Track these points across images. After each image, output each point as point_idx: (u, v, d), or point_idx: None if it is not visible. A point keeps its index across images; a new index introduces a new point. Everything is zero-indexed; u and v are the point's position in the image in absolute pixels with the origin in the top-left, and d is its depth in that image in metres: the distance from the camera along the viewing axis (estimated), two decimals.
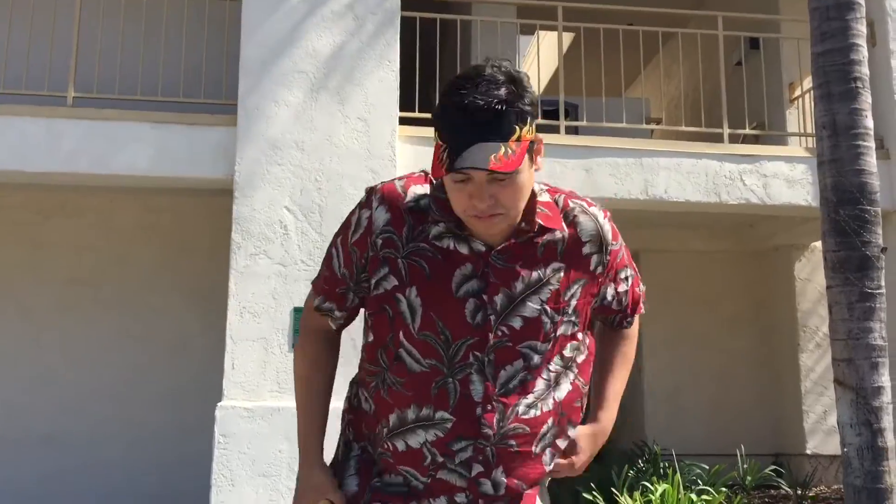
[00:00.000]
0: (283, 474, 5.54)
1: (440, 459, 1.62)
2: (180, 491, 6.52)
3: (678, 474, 5.57)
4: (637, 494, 5.35)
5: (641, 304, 1.87)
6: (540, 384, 1.66)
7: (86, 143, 5.98)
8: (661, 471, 6.57)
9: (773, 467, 7.28)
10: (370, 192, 1.68)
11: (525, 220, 1.63)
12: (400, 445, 1.65)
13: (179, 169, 6.10)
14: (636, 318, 1.89)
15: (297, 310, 5.85)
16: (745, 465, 7.18)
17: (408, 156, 6.30)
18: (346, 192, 6.05)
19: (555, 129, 6.94)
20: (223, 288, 5.90)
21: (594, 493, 5.89)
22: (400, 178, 1.69)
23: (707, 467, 6.77)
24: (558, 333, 1.67)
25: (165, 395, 7.03)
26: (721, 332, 8.33)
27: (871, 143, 5.45)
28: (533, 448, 1.67)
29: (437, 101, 1.57)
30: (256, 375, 5.73)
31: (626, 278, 1.81)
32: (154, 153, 6.02)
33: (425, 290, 1.62)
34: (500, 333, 1.63)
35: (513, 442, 1.64)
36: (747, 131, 7.57)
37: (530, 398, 1.65)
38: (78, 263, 7.21)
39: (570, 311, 1.69)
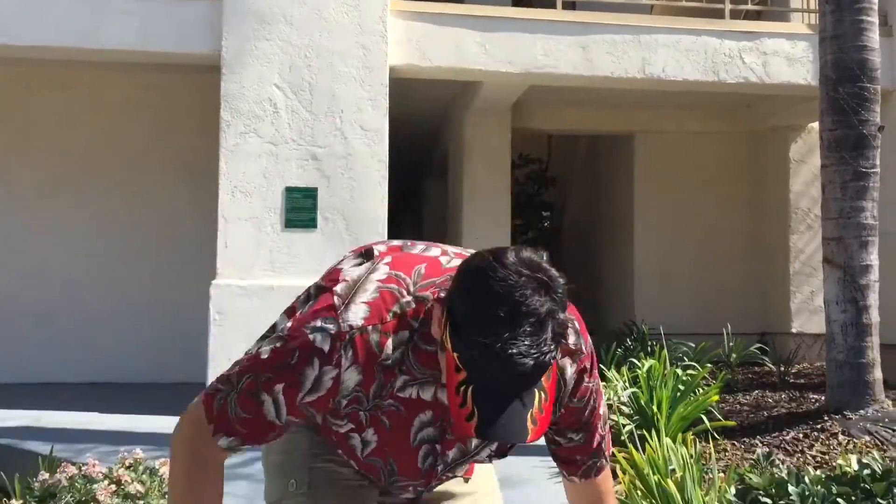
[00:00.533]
0: None
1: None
2: (176, 368, 6.66)
3: (665, 351, 5.68)
4: (624, 370, 5.48)
5: (584, 467, 1.66)
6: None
7: (72, 13, 5.79)
8: (649, 349, 6.72)
9: (758, 345, 7.45)
10: (339, 345, 1.39)
11: None
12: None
13: (166, 44, 5.95)
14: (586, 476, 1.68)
15: (288, 189, 5.83)
16: (730, 344, 7.34)
17: (399, 31, 6.15)
18: (336, 70, 5.92)
19: (551, 4, 6.75)
20: (214, 167, 5.85)
21: None
22: (374, 327, 1.41)
23: (693, 345, 6.93)
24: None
25: (159, 274, 7.10)
26: (713, 213, 8.36)
27: (875, 19, 5.32)
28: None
29: (465, 324, 1.26)
30: (250, 254, 5.76)
31: (571, 440, 1.61)
32: (140, 26, 5.85)
33: (383, 435, 1.51)
34: (443, 478, 1.62)
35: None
36: (749, 6, 7.37)
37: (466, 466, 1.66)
38: (67, 140, 7.14)
39: (507, 455, 1.65)
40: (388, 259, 1.50)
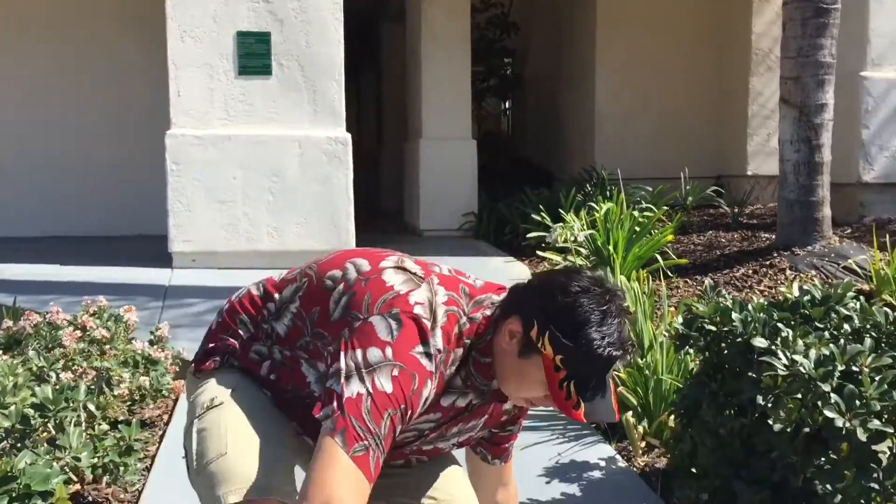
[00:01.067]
0: (238, 200, 5.63)
1: None
2: (135, 220, 6.63)
3: (622, 195, 5.77)
4: (583, 213, 5.58)
5: (507, 452, 1.91)
6: None
7: None
8: (608, 193, 6.81)
9: (714, 188, 7.58)
10: (435, 361, 1.54)
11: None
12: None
13: None
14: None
15: (240, 34, 5.63)
16: (687, 187, 7.46)
17: None
18: None
19: None
20: (162, 11, 5.61)
21: (542, 213, 6.13)
22: (446, 349, 1.56)
23: (651, 189, 7.03)
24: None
25: (114, 126, 6.94)
26: (675, 57, 8.27)
27: None
28: None
29: (577, 336, 1.49)
30: (204, 103, 5.62)
31: (512, 431, 1.87)
32: None
33: None
34: (409, 452, 1.75)
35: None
36: None
37: None
38: None
39: (493, 447, 1.88)
40: (437, 280, 1.62)
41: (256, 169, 5.64)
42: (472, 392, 1.65)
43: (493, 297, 1.65)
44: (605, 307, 1.51)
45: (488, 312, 1.62)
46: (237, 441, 1.61)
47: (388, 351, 1.47)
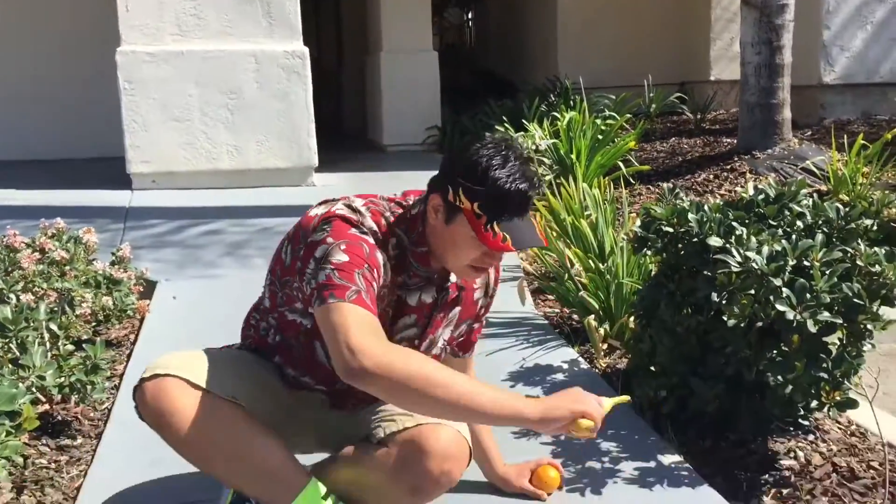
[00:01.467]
0: (195, 118, 5.52)
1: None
2: (90, 142, 6.49)
3: (585, 104, 5.75)
4: (546, 123, 5.56)
5: (474, 345, 2.13)
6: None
7: None
8: (571, 103, 6.78)
9: (677, 95, 7.57)
10: (360, 231, 1.73)
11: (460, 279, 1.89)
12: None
13: None
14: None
15: None
16: (650, 94, 7.44)
17: None
18: None
19: None
20: None
21: (505, 125, 6.09)
22: (370, 231, 1.75)
23: (615, 98, 7.00)
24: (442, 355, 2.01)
25: (64, 46, 6.71)
26: None
27: None
28: None
29: (484, 180, 1.68)
30: (154, 18, 5.45)
31: (480, 321, 2.08)
32: None
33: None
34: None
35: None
36: None
37: None
38: None
39: (461, 341, 2.07)
40: (353, 196, 1.82)
41: (212, 85, 5.53)
42: (426, 284, 1.83)
43: (415, 198, 1.86)
44: (504, 152, 1.71)
45: (414, 211, 1.82)
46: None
47: (329, 240, 1.68)
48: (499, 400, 1.60)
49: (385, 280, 1.75)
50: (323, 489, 1.80)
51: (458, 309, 1.95)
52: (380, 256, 1.73)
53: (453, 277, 1.90)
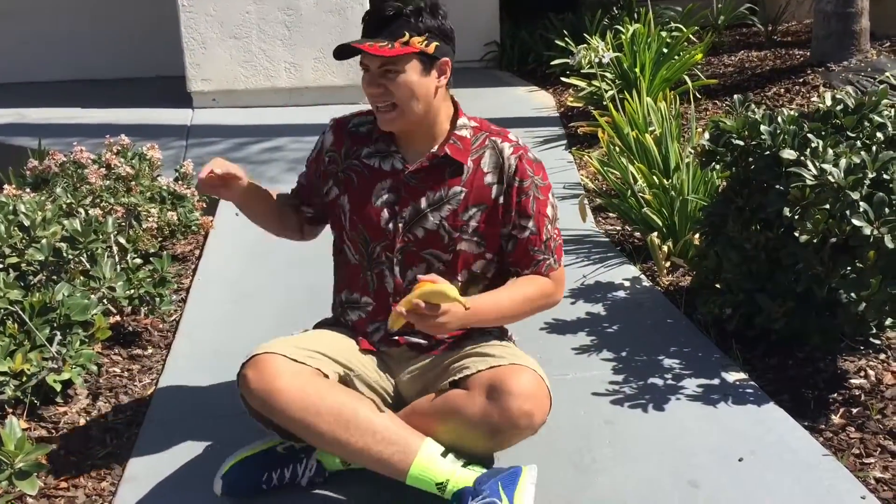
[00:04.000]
0: (253, 35, 5.49)
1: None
2: (152, 61, 6.51)
3: (650, 15, 5.53)
4: (609, 36, 5.37)
5: (543, 266, 1.99)
6: None
7: None
8: (635, 15, 6.53)
9: (748, 6, 7.24)
10: (330, 120, 2.06)
11: (439, 147, 1.92)
12: (347, 316, 2.08)
13: None
14: (538, 274, 1.99)
15: None
16: (719, 5, 7.13)
17: None
18: None
19: None
20: None
21: (566, 39, 5.91)
22: (349, 113, 2.07)
23: (681, 9, 6.73)
24: (458, 248, 1.95)
25: None
26: None
27: None
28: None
29: None
30: None
31: (525, 228, 1.96)
32: None
33: (353, 198, 1.99)
34: (406, 239, 1.95)
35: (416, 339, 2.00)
36: None
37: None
38: None
39: (469, 231, 1.94)
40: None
41: (269, 1, 5.46)
42: (391, 151, 1.96)
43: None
44: None
45: None
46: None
47: None
48: None
49: (334, 151, 2.01)
50: (439, 446, 1.81)
51: (459, 189, 1.92)
52: (326, 138, 2.04)
53: (435, 148, 1.94)
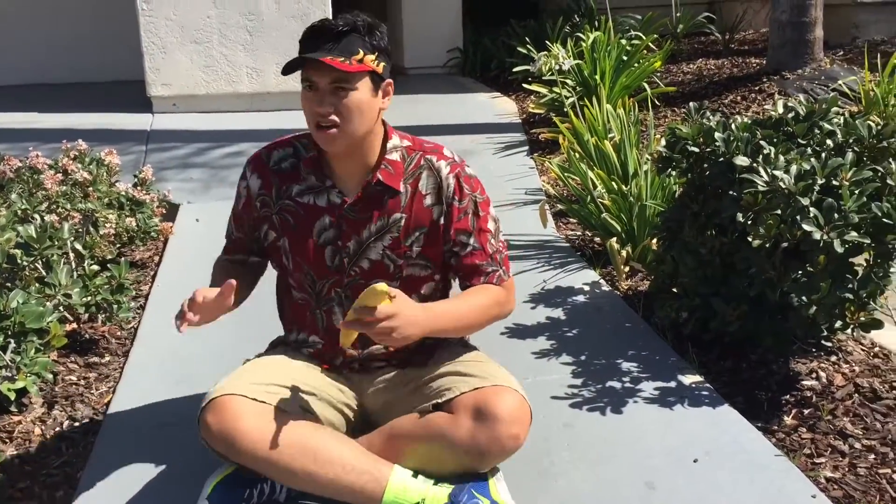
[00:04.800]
0: (214, 40, 5.45)
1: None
2: (110, 65, 6.45)
3: (610, 23, 5.60)
4: (570, 44, 5.43)
5: (494, 278, 1.95)
6: None
7: None
8: (596, 24, 6.61)
9: (706, 14, 7.36)
10: (246, 164, 1.98)
11: (371, 175, 1.87)
12: (301, 350, 2.03)
13: None
14: (492, 283, 1.96)
15: None
16: (678, 14, 7.24)
17: None
18: None
19: None
20: None
21: (528, 46, 5.96)
22: (266, 146, 1.97)
23: (641, 18, 6.83)
24: (405, 274, 1.93)
25: None
26: None
27: None
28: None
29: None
30: None
31: (467, 244, 1.92)
32: None
33: (293, 239, 1.93)
34: (352, 273, 1.92)
35: (378, 363, 2.01)
36: None
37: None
38: None
39: (413, 256, 1.92)
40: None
41: (231, 6, 5.44)
42: (325, 186, 1.90)
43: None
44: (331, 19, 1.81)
45: None
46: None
47: None
48: None
49: (263, 193, 1.93)
50: (407, 470, 1.81)
51: (398, 216, 1.88)
52: (251, 182, 1.95)
53: (368, 176, 1.88)
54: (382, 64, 1.81)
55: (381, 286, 1.63)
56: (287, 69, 1.74)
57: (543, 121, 5.26)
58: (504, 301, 1.96)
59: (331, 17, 5.46)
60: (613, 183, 3.45)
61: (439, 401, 1.84)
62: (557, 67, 4.22)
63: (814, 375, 2.44)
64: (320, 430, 1.81)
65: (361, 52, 1.76)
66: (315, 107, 1.76)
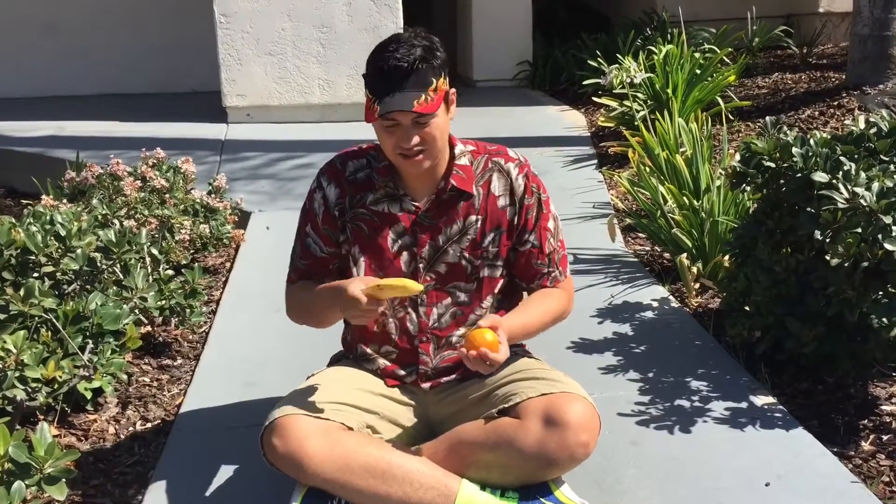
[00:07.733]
0: (288, 52, 5.56)
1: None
2: (188, 76, 6.63)
3: (683, 36, 5.53)
4: (641, 57, 5.37)
5: (548, 279, 2.00)
6: (472, 318, 1.96)
7: None
8: (669, 36, 6.53)
9: (783, 28, 7.20)
10: (319, 174, 1.98)
11: (444, 181, 1.90)
12: (369, 366, 2.02)
13: None
14: (547, 286, 2.00)
15: None
16: (754, 27, 7.10)
17: None
18: None
19: None
20: None
21: (599, 59, 5.92)
22: (338, 155, 1.98)
23: (715, 31, 6.71)
24: (482, 275, 1.95)
25: None
26: None
27: None
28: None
29: (367, 65, 1.80)
30: None
31: (527, 241, 1.97)
32: None
33: (366, 247, 1.94)
34: (429, 278, 1.93)
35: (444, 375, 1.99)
36: None
37: (463, 329, 1.95)
38: None
39: (490, 257, 1.95)
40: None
41: (305, 19, 5.54)
42: (397, 193, 1.91)
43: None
44: (385, 41, 1.80)
45: None
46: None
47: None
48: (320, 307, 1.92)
49: (340, 202, 1.93)
50: (475, 484, 1.80)
51: (474, 218, 1.91)
52: (328, 192, 1.94)
53: (441, 182, 1.91)
54: (448, 80, 1.84)
55: (413, 284, 1.71)
56: (371, 117, 1.78)
57: (613, 134, 5.21)
58: (565, 303, 2.02)
59: (402, 29, 5.52)
60: (685, 198, 3.39)
61: (506, 406, 1.83)
62: (628, 80, 4.17)
63: (894, 400, 2.35)
64: (386, 448, 1.81)
65: (434, 80, 1.77)
66: (401, 143, 1.78)
